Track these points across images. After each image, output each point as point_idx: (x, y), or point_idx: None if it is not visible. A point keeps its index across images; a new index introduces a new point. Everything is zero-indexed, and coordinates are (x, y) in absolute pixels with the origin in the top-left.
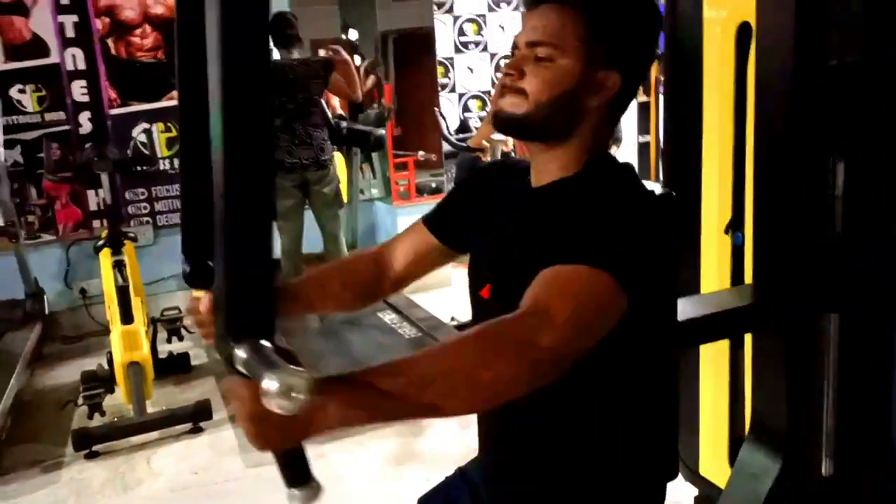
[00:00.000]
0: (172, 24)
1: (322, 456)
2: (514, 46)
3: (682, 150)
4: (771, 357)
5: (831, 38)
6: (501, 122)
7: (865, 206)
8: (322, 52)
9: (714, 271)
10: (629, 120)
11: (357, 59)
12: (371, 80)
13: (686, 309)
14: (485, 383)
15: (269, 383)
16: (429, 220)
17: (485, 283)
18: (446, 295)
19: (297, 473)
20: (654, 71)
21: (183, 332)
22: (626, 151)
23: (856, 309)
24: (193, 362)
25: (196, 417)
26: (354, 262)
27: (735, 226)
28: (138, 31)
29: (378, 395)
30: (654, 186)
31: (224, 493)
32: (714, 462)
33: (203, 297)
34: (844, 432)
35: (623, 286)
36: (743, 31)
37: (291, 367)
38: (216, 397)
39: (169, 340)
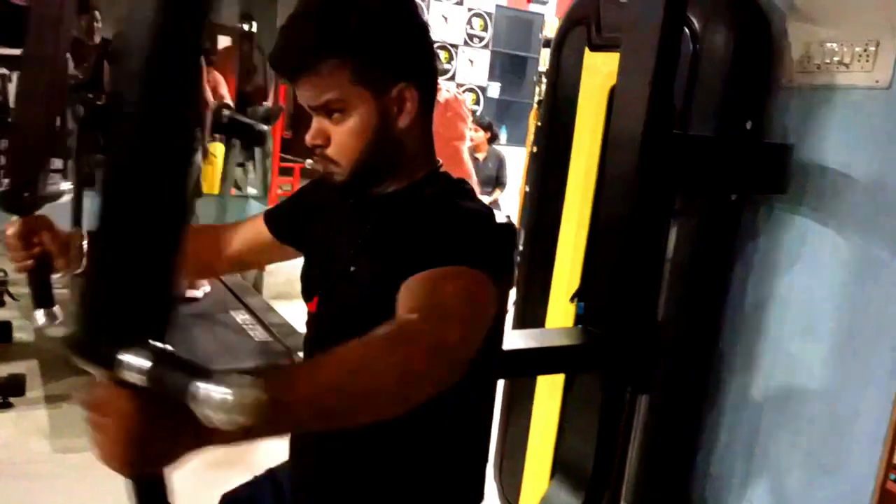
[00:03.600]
0: None
1: None
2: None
3: (548, 189)
4: (583, 401)
5: (677, 109)
6: (339, 191)
7: (688, 272)
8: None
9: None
10: (517, 168)
11: (257, 54)
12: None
13: (513, 340)
14: (408, 388)
15: (221, 393)
16: (268, 214)
17: (313, 296)
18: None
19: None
20: (534, 117)
21: (6, 299)
22: (509, 198)
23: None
24: (16, 335)
25: (6, 391)
26: (194, 235)
27: (581, 296)
28: None
29: (306, 410)
30: (499, 215)
31: (25, 474)
32: (534, 497)
33: (14, 222)
34: (645, 482)
35: (496, 284)
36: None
37: (237, 375)
38: (34, 375)
39: None
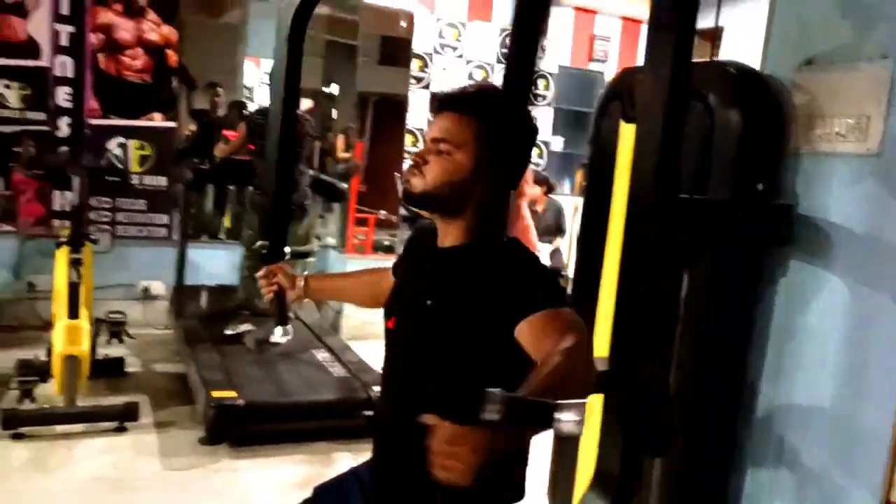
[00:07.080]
0: (163, 51)
1: (235, 470)
2: (425, 139)
3: (592, 242)
4: (613, 415)
5: (685, 177)
6: (405, 196)
7: (700, 310)
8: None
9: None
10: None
11: (334, 113)
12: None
13: None
14: (589, 376)
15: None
16: (394, 267)
17: (391, 316)
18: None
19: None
20: (580, 177)
21: (124, 337)
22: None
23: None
24: (128, 369)
25: (123, 417)
26: (374, 273)
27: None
28: (130, 52)
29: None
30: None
31: (138, 489)
32: None
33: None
34: (671, 487)
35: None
36: None
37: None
38: (144, 404)
39: (109, 342)
